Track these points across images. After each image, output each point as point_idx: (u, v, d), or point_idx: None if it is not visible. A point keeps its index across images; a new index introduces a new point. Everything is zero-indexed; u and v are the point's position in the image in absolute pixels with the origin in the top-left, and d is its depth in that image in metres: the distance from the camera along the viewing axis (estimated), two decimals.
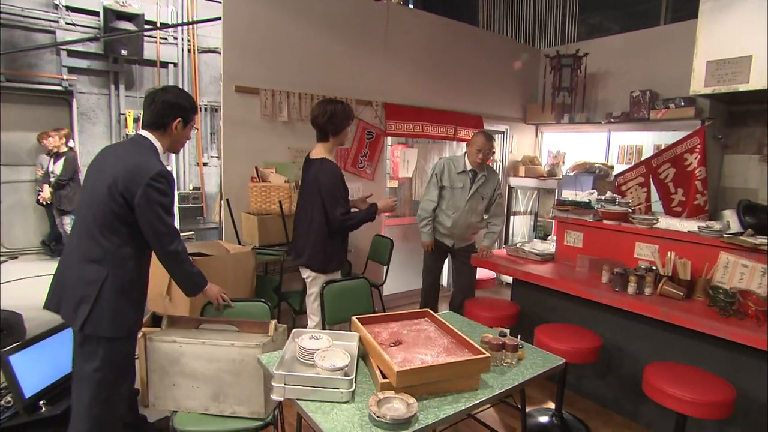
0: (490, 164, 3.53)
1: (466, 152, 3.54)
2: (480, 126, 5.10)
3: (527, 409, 2.87)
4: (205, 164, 7.44)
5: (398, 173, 5.07)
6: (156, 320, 2.19)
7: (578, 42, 5.67)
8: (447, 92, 4.90)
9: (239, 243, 3.52)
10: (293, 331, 1.86)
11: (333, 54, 4.03)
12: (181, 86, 7.05)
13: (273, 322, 2.05)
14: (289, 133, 3.87)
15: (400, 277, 4.82)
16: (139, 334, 2.38)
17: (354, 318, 1.95)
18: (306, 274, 2.80)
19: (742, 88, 3.56)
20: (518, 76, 5.57)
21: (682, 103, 4.36)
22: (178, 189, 7.15)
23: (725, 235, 2.63)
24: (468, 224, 3.56)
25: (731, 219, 3.87)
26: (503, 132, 5.59)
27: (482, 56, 5.19)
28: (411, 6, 7.80)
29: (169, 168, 6.11)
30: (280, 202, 3.42)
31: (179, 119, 1.92)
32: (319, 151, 2.72)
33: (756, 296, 2.37)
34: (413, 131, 4.66)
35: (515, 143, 5.60)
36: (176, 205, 7.03)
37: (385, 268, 4.06)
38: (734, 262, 2.58)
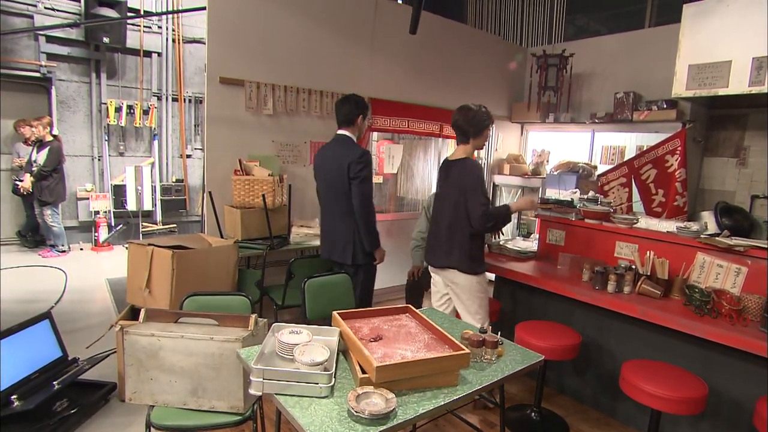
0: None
1: None
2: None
3: (507, 406, 2.92)
4: (188, 156, 7.35)
5: (384, 169, 5.06)
6: (135, 314, 2.16)
7: (565, 42, 5.72)
8: (434, 89, 4.91)
9: (222, 236, 3.48)
10: (273, 325, 1.85)
11: (320, 47, 4.00)
12: (165, 76, 6.96)
13: (253, 316, 2.03)
14: (274, 127, 3.84)
15: (385, 273, 4.79)
16: (117, 327, 2.35)
17: (335, 313, 1.94)
18: (460, 280, 2.69)
19: (722, 92, 3.63)
20: (505, 75, 5.60)
21: (664, 106, 4.43)
22: (160, 181, 7.05)
23: (702, 236, 2.68)
24: None
25: (709, 220, 3.95)
26: None
27: (470, 54, 5.20)
28: (399, 1, 7.78)
29: (152, 160, 5.85)
30: (263, 196, 3.39)
31: (361, 115, 2.96)
32: (459, 153, 2.73)
33: (730, 296, 2.42)
34: (399, 127, 4.66)
35: (500, 141, 5.64)
36: (159, 197, 6.94)
37: None
38: (710, 262, 2.64)
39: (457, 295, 2.76)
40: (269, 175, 3.47)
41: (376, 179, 5.03)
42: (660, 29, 4.75)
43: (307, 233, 3.74)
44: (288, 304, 3.28)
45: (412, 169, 5.26)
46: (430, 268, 2.92)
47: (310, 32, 3.93)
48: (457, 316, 2.93)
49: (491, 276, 3.24)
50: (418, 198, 5.30)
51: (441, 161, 3.02)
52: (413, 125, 4.76)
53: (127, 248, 2.85)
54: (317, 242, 3.72)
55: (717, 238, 2.62)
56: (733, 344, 2.18)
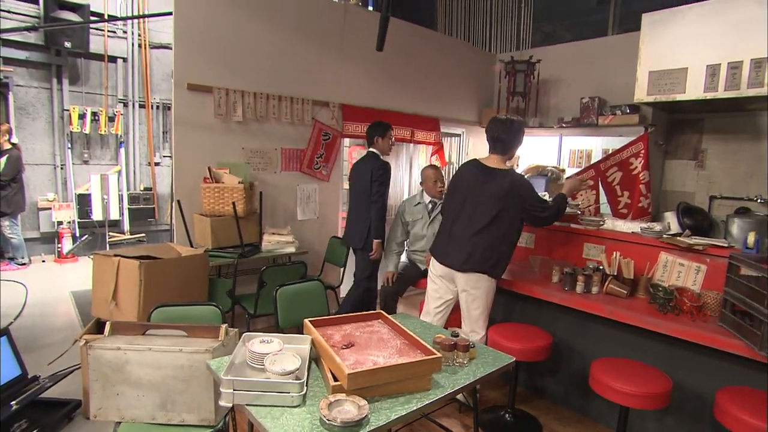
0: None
1: (422, 189, 3.74)
2: (437, 129, 5.19)
3: (481, 408, 2.95)
4: (157, 164, 7.19)
5: None
6: (101, 328, 2.10)
7: (532, 48, 5.85)
8: (404, 95, 4.95)
9: (191, 245, 3.43)
10: (244, 335, 1.83)
11: (289, 54, 3.99)
12: (131, 82, 6.81)
13: (224, 326, 2.01)
14: (244, 133, 3.80)
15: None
16: (81, 342, 2.28)
17: (306, 320, 1.93)
18: (482, 284, 2.71)
19: (679, 97, 3.78)
20: (474, 81, 5.70)
21: (627, 111, 4.57)
22: (128, 189, 6.88)
23: (664, 236, 2.78)
24: None
25: (672, 220, 4.11)
26: (459, 135, 5.71)
27: (440, 60, 5.27)
28: (370, 8, 7.83)
29: (119, 168, 5.73)
30: (233, 204, 3.35)
31: (378, 136, 3.81)
32: (496, 162, 2.76)
33: (691, 293, 2.52)
34: None
35: (471, 146, 5.72)
36: (126, 206, 6.77)
37: (342, 270, 4.06)
38: (672, 261, 2.74)
39: (474, 299, 2.73)
40: (239, 182, 3.44)
41: (348, 185, 5.02)
42: (622, 37, 4.92)
43: (279, 241, 3.70)
44: (260, 312, 3.25)
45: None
46: (437, 272, 2.82)
47: (279, 39, 3.92)
48: (455, 323, 2.96)
49: None
50: (391, 203, 5.32)
51: (462, 163, 3.04)
52: None
53: (92, 259, 2.77)
54: (290, 249, 3.72)
55: (678, 238, 2.72)
56: (694, 339, 2.27)
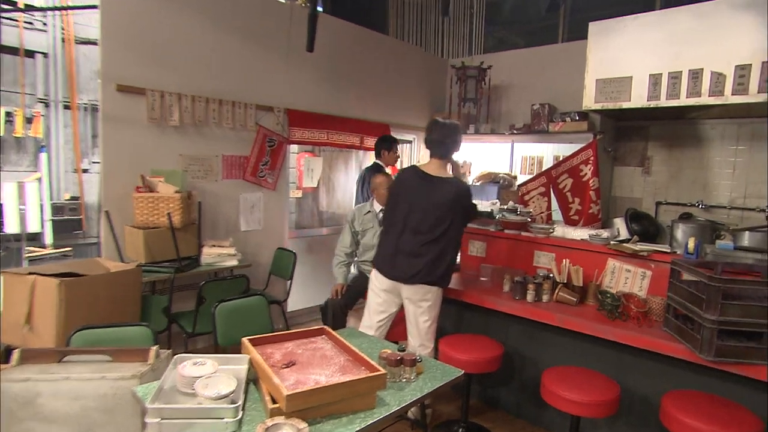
0: None
1: (372, 197, 3.77)
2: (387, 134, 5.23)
3: (434, 423, 2.97)
4: (85, 171, 6.84)
5: (303, 183, 5.02)
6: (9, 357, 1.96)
7: (484, 54, 6.03)
8: (354, 100, 4.97)
9: (122, 260, 3.28)
10: (174, 357, 1.76)
11: (231, 55, 3.93)
12: (53, 80, 6.46)
13: (154, 348, 1.92)
14: (181, 139, 3.70)
15: (305, 292, 4.77)
16: None
17: (244, 339, 1.89)
18: (431, 296, 2.72)
19: (625, 105, 3.99)
20: (426, 86, 5.80)
21: (577, 117, 4.78)
22: (51, 199, 6.50)
23: (611, 243, 2.91)
24: None
25: (621, 226, 4.31)
26: (411, 141, 5.78)
27: (391, 64, 5.33)
28: (320, 9, 7.81)
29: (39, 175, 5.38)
30: (169, 215, 3.24)
31: (383, 149, 4.33)
32: (438, 168, 2.78)
33: (637, 299, 2.65)
34: (318, 139, 4.67)
35: (422, 153, 5.79)
36: (48, 217, 6.39)
37: (289, 282, 4.02)
38: (619, 267, 2.87)
39: (423, 312, 2.74)
40: (176, 191, 3.33)
41: (296, 194, 4.98)
42: (571, 44, 5.15)
43: (220, 253, 3.61)
44: (199, 331, 3.17)
45: (332, 182, 5.27)
46: (382, 286, 2.79)
47: (220, 39, 3.84)
48: (400, 336, 2.95)
49: None
50: (340, 212, 5.31)
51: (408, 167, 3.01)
52: (333, 137, 4.79)
53: (0, 278, 2.58)
54: (232, 262, 3.64)
55: (624, 244, 2.86)
56: (640, 345, 2.38)
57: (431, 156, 2.81)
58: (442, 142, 2.76)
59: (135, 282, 2.85)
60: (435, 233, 2.66)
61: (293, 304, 4.62)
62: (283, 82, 4.32)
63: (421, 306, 2.73)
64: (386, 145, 4.41)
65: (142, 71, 3.43)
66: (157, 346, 1.98)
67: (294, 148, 4.87)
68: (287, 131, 4.39)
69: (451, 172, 2.84)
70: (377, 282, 2.82)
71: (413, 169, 2.84)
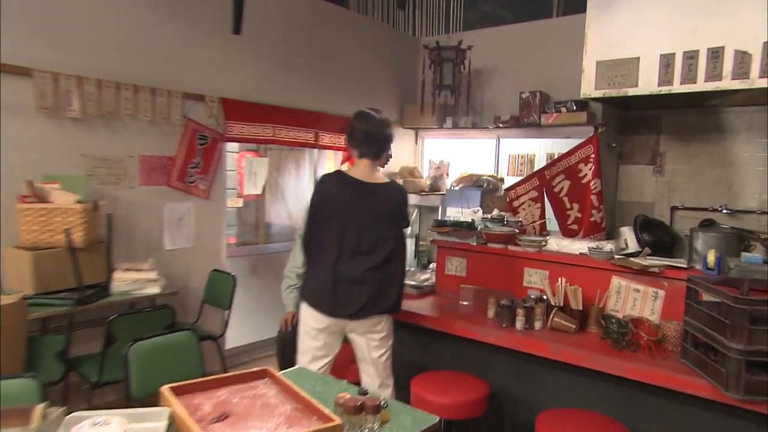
0: None
1: None
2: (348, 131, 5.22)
3: None
4: None
5: (245, 189, 4.98)
6: None
7: (464, 32, 6.09)
8: (307, 88, 4.97)
9: (0, 291, 3.16)
10: (68, 416, 1.68)
11: (152, 30, 3.88)
12: None
13: (40, 406, 1.82)
14: (83, 135, 3.62)
15: (249, 324, 4.72)
16: None
17: (164, 388, 1.83)
18: (384, 326, 2.74)
19: (631, 92, 4.05)
20: (394, 71, 5.85)
21: (574, 107, 4.88)
22: None
23: (616, 257, 2.96)
24: None
25: (629, 237, 4.37)
26: None
27: (352, 45, 5.36)
28: None
29: None
30: (67, 231, 3.14)
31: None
32: (372, 172, 2.78)
33: (648, 324, 2.68)
34: (262, 135, 4.64)
35: (391, 151, 5.79)
36: None
37: (227, 312, 3.99)
38: (626, 286, 2.91)
39: (378, 347, 2.73)
40: (77, 201, 3.24)
41: (236, 203, 4.93)
42: (568, 19, 5.25)
43: (137, 279, 3.53)
44: (108, 379, 3.09)
45: (281, 188, 5.22)
46: (320, 325, 2.71)
47: (135, 9, 3.78)
48: (350, 376, 2.90)
49: None
50: (291, 225, 5.26)
51: (320, 177, 2.96)
52: (281, 133, 4.75)
53: None
54: (152, 290, 3.58)
55: (630, 259, 2.91)
56: (653, 381, 2.40)
57: (360, 156, 2.76)
58: (377, 139, 2.74)
59: (18, 320, 2.75)
60: (379, 253, 2.66)
61: (233, 339, 4.57)
62: (217, 64, 4.27)
63: (373, 338, 2.72)
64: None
65: (27, 45, 3.32)
66: (46, 403, 1.89)
67: (233, 146, 4.83)
68: (223, 126, 4.34)
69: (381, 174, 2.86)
70: (313, 322, 2.73)
71: (339, 176, 2.79)
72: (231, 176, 4.87)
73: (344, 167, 2.79)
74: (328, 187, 2.77)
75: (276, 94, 4.71)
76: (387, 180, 2.83)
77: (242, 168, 5.03)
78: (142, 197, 3.94)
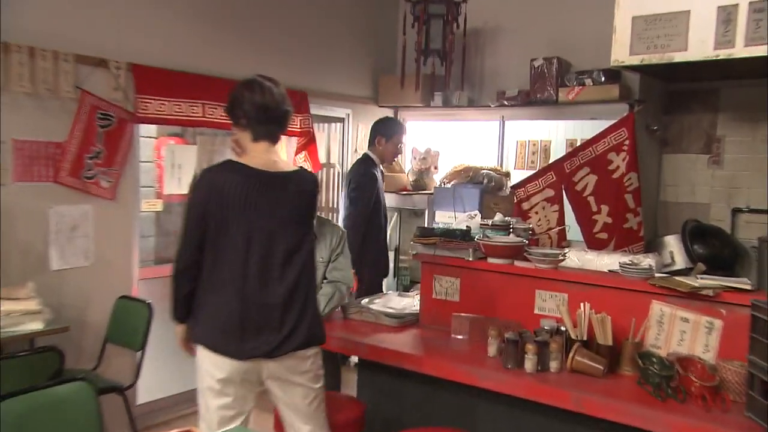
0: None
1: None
2: (305, 110, 5.18)
3: None
4: None
5: (165, 187, 4.89)
6: None
7: None
8: (250, 54, 4.94)
9: None
10: None
11: None
12: None
13: None
14: None
15: (169, 371, 4.64)
16: None
17: None
18: (315, 361, 2.77)
19: (679, 57, 3.99)
20: (365, 33, 5.82)
21: (602, 79, 4.84)
22: None
23: (656, 275, 2.89)
24: None
25: (675, 249, 4.34)
26: (343, 119, 5.79)
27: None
28: None
29: None
30: None
31: (380, 136, 4.64)
32: (280, 158, 2.86)
33: (701, 366, 2.62)
34: (189, 115, 4.57)
35: (362, 136, 5.76)
36: None
37: (138, 355, 3.92)
38: (671, 314, 2.84)
39: (310, 390, 2.72)
40: None
41: (153, 205, 4.83)
42: None
43: (10, 311, 3.42)
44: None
45: None
46: (227, 374, 2.63)
47: None
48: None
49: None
50: None
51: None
52: (214, 113, 4.67)
53: None
54: (32, 326, 3.49)
55: (677, 278, 2.85)
56: None
57: (256, 139, 2.69)
58: (278, 116, 2.70)
59: None
60: (297, 262, 2.65)
61: (147, 392, 4.50)
62: (124, 17, 4.20)
63: (303, 383, 2.69)
64: (384, 131, 4.63)
65: None
66: None
67: (149, 130, 4.77)
68: (133, 102, 4.26)
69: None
70: (216, 371, 2.62)
71: (232, 168, 2.68)
72: (147, 170, 4.83)
73: (233, 157, 2.69)
74: (220, 184, 2.63)
75: (207, 60, 4.66)
76: (295, 167, 2.89)
77: (162, 159, 4.94)
78: (17, 198, 3.84)
